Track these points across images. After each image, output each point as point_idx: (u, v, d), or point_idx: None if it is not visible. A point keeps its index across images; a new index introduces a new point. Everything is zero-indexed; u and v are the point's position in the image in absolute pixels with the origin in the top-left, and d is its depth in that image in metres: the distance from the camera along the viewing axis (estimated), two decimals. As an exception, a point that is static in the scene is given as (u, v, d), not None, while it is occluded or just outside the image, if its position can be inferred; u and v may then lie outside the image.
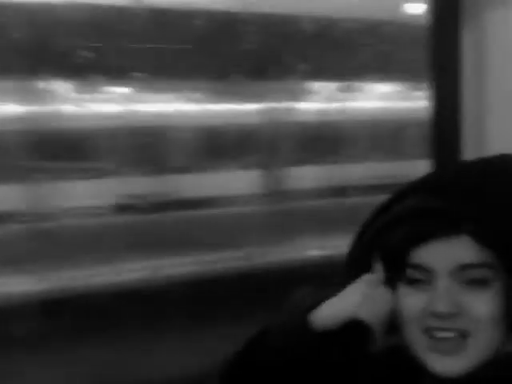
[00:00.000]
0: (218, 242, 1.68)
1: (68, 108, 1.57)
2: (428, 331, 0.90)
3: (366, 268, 1.00)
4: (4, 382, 1.47)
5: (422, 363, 0.92)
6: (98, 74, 1.57)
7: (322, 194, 1.89)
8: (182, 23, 1.60)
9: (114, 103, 1.62)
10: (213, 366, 1.04)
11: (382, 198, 0.99)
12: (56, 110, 1.56)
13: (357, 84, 1.84)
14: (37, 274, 1.59)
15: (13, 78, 1.54)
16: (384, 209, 0.99)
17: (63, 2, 1.56)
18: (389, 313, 0.96)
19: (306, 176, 1.87)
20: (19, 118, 1.55)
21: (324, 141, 1.85)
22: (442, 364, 0.90)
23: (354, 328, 0.96)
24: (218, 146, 1.73)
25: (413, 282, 0.93)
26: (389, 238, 0.95)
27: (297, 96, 1.80)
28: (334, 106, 1.83)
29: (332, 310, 0.96)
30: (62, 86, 1.58)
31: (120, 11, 1.62)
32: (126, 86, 1.66)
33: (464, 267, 0.88)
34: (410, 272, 0.92)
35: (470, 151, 1.67)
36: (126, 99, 1.62)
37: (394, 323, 0.96)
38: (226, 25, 1.67)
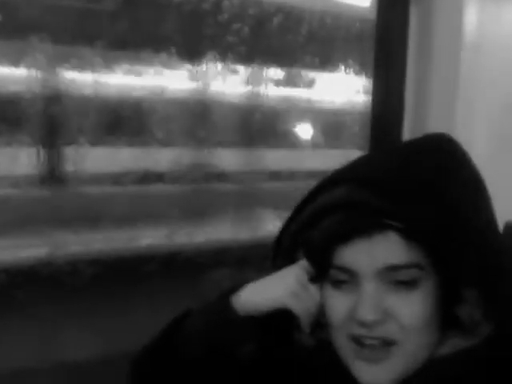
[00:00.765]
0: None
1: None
2: (354, 338, 0.84)
3: (293, 258, 0.93)
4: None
5: (349, 369, 0.86)
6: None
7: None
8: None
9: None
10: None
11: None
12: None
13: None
14: None
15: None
16: (311, 197, 0.90)
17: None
18: (317, 308, 0.89)
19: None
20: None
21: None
22: (367, 373, 0.83)
23: (281, 318, 0.90)
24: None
25: (338, 284, 0.85)
26: (311, 234, 0.88)
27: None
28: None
29: (257, 297, 0.90)
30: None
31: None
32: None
33: (391, 268, 0.81)
34: (334, 273, 0.85)
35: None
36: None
37: (322, 320, 0.90)
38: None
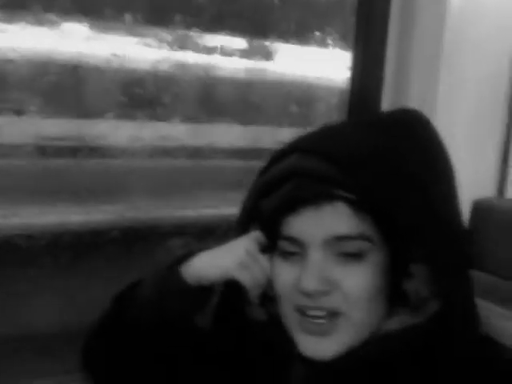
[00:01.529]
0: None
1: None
2: (299, 309, 0.82)
3: (248, 230, 0.91)
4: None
5: (295, 343, 0.84)
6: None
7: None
8: None
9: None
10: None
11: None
12: None
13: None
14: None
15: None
16: (266, 169, 0.89)
17: None
18: (267, 280, 0.87)
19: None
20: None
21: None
22: (312, 346, 0.81)
23: (228, 288, 0.90)
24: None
25: (286, 255, 0.83)
26: (263, 203, 0.87)
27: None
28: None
29: (206, 267, 0.88)
30: None
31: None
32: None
33: (338, 238, 0.78)
34: (283, 244, 0.83)
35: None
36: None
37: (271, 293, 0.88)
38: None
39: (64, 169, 1.43)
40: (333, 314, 0.79)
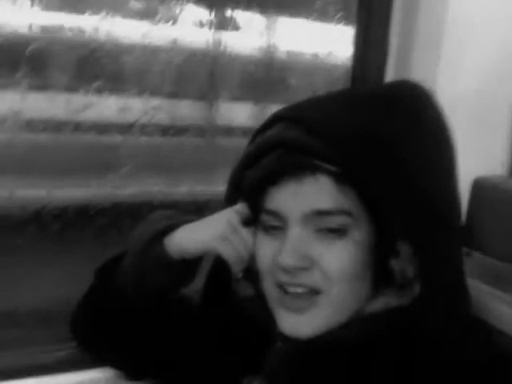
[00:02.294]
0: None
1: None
2: (279, 285, 0.80)
3: (235, 202, 0.90)
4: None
5: (275, 320, 0.82)
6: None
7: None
8: None
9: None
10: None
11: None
12: None
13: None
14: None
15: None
16: (253, 137, 0.87)
17: None
18: (250, 255, 0.86)
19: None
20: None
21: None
22: (290, 323, 0.80)
23: (216, 262, 0.90)
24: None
25: (268, 229, 0.82)
26: (247, 174, 0.85)
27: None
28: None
29: (188, 239, 0.87)
30: None
31: None
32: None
33: (318, 213, 0.76)
34: (265, 218, 0.82)
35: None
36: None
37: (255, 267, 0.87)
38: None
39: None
40: (313, 292, 0.78)
